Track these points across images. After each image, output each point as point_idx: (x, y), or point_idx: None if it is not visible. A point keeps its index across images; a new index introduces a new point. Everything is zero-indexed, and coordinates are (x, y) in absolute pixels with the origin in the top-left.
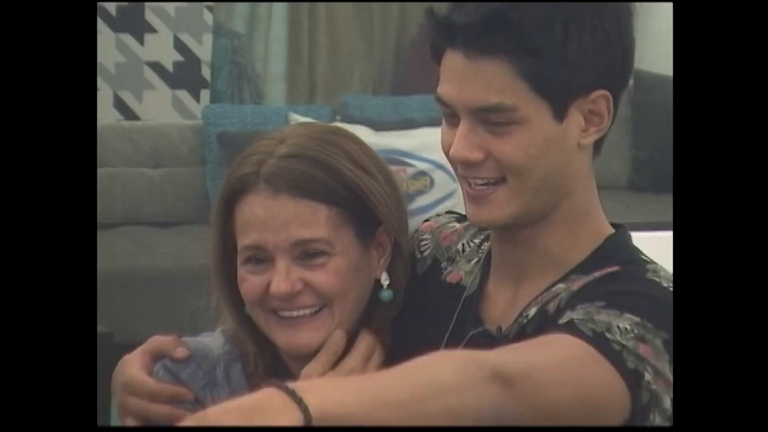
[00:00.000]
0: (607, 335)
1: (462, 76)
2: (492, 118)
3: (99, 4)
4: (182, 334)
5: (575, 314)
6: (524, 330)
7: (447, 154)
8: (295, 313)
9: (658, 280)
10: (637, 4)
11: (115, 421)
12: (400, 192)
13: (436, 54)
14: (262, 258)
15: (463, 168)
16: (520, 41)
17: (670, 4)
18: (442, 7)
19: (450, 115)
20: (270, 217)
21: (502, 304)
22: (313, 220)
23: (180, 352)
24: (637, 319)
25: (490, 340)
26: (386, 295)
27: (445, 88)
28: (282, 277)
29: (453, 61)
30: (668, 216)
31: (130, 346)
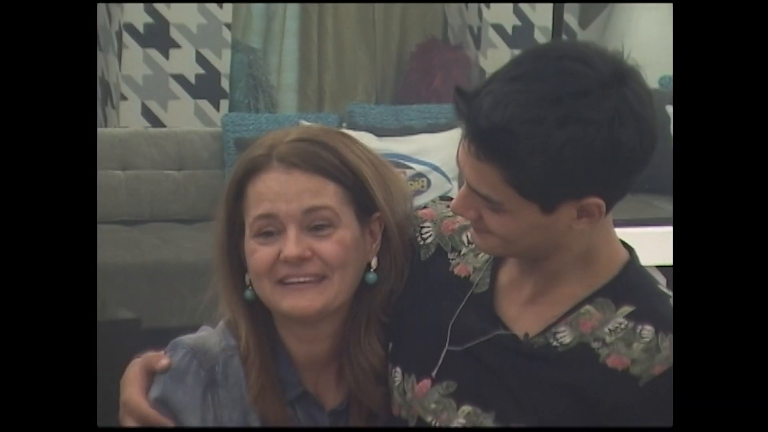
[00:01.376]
0: None
1: (466, 161)
2: (484, 202)
3: (127, 21)
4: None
5: None
6: (554, 349)
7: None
8: (301, 279)
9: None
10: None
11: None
12: (399, 190)
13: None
14: (271, 231)
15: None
16: (509, 157)
17: (651, 16)
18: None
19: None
20: (284, 188)
21: (519, 304)
22: (323, 192)
23: (161, 365)
24: None
25: (515, 344)
26: (371, 277)
27: (459, 158)
28: (293, 243)
29: (463, 144)
30: (643, 214)
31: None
